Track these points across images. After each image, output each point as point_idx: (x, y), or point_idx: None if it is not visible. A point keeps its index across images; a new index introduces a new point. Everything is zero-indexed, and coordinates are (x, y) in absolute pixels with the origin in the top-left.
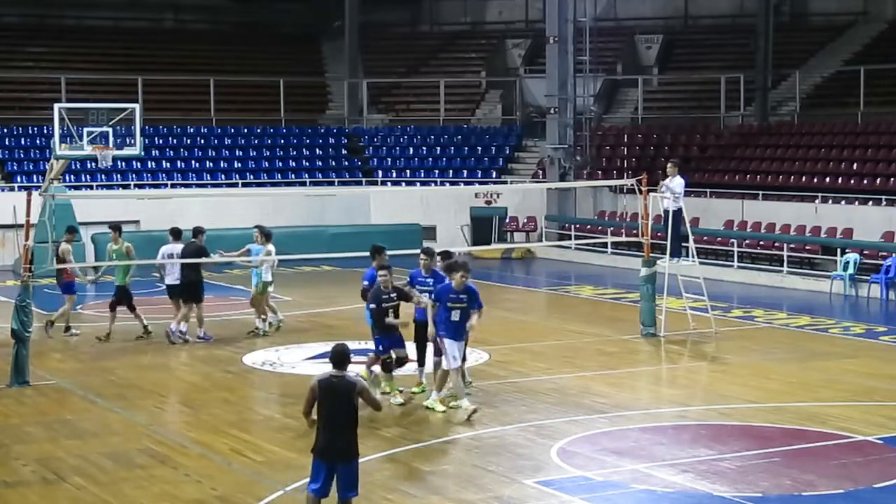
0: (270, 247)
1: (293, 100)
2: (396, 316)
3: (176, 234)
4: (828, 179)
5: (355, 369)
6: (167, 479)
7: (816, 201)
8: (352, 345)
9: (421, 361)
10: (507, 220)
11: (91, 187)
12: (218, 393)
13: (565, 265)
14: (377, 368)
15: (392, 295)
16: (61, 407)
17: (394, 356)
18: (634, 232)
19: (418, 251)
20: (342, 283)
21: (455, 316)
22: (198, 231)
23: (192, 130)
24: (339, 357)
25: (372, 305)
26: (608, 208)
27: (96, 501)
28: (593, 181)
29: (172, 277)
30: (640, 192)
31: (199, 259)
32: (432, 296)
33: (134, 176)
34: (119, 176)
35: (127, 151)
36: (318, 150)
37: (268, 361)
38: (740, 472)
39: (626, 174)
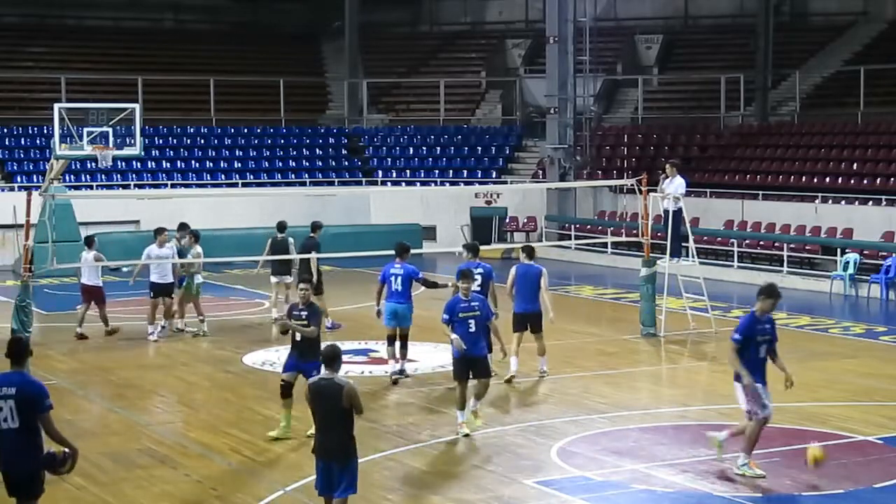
0: (198, 248)
1: (293, 100)
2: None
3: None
4: (828, 179)
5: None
6: (167, 479)
7: (816, 201)
8: (350, 345)
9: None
10: (507, 220)
11: (91, 187)
12: (218, 393)
13: (565, 265)
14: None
15: (303, 313)
16: (61, 407)
17: (286, 380)
18: (634, 232)
19: (419, 251)
20: (342, 283)
21: (762, 352)
22: (316, 226)
23: (192, 130)
24: (329, 358)
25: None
26: (608, 208)
27: (96, 501)
28: (593, 181)
29: (159, 276)
30: (640, 192)
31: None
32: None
33: (134, 176)
34: (119, 176)
35: (127, 151)
36: (318, 150)
37: (268, 361)
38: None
39: (626, 174)
